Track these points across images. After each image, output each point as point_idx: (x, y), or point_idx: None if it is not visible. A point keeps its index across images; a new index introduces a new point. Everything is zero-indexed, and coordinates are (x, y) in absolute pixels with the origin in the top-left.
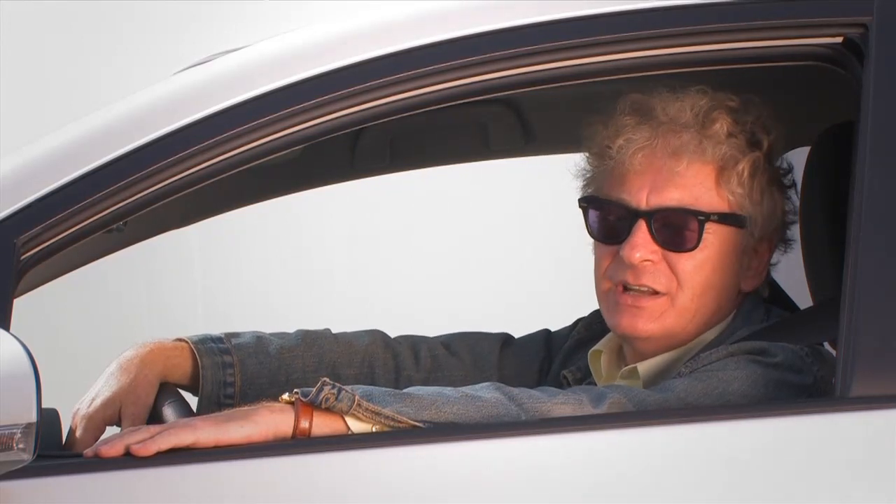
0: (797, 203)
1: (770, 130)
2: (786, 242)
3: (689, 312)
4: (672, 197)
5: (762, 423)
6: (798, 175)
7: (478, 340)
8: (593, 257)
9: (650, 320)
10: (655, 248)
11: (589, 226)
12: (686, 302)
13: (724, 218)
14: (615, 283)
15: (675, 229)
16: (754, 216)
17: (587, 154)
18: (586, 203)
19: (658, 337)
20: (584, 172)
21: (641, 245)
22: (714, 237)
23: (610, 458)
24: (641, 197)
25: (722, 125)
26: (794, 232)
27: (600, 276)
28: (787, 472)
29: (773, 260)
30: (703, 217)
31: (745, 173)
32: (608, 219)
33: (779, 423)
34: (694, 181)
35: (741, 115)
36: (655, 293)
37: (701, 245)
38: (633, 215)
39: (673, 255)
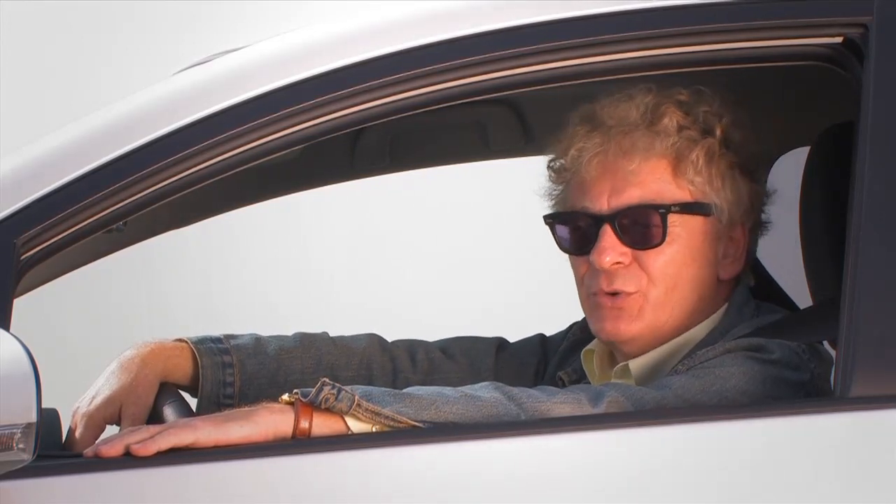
0: (769, 185)
1: (722, 116)
2: (762, 225)
3: (667, 306)
4: (632, 196)
5: (762, 422)
6: (798, 175)
7: (474, 344)
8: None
9: (631, 320)
10: (624, 249)
11: (558, 240)
12: (659, 296)
13: (686, 207)
14: (593, 291)
15: (640, 227)
16: (718, 202)
17: (549, 172)
18: (551, 219)
19: (642, 336)
20: (550, 191)
21: (609, 248)
22: (681, 229)
23: (610, 458)
24: (603, 201)
25: (671, 119)
26: (770, 215)
27: (579, 285)
28: (786, 471)
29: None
30: (663, 210)
31: (701, 161)
32: (574, 230)
33: (778, 422)
34: (651, 177)
35: (692, 107)
36: (628, 294)
37: (668, 239)
38: (597, 221)
39: (642, 254)
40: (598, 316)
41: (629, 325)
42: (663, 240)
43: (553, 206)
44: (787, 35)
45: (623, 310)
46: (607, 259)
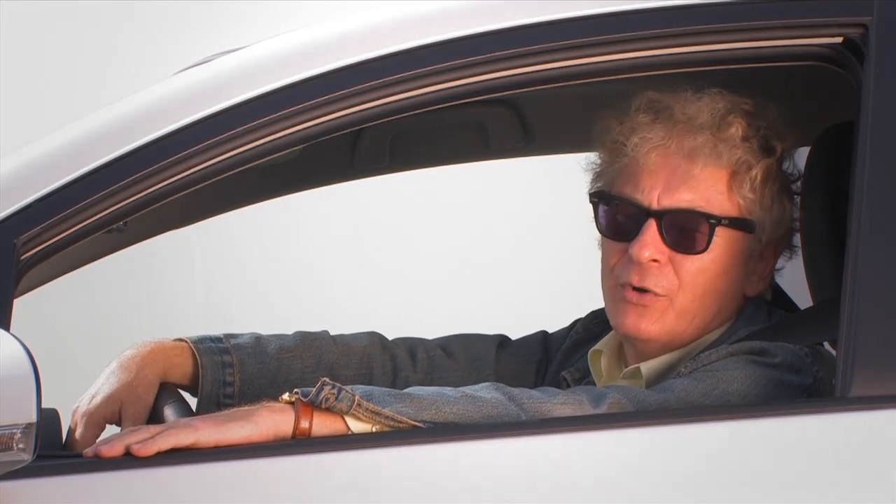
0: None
1: (784, 137)
2: (791, 248)
3: (690, 314)
4: (684, 198)
5: (762, 423)
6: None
7: (474, 342)
8: (601, 253)
9: (653, 321)
10: (664, 248)
11: (598, 221)
12: (686, 303)
13: (734, 222)
14: (621, 282)
15: (685, 231)
16: (763, 222)
17: (601, 148)
18: (597, 198)
19: (660, 338)
20: (595, 167)
21: (651, 244)
22: (722, 241)
23: (610, 458)
24: (653, 196)
25: (737, 129)
26: (797, 236)
27: (607, 272)
28: (787, 472)
29: (778, 265)
30: (714, 220)
31: (758, 179)
32: (618, 216)
33: (779, 423)
34: (707, 184)
35: (755, 119)
36: (656, 294)
37: (709, 248)
38: (643, 214)
39: (679, 257)
40: (621, 310)
41: (650, 325)
42: (706, 248)
43: (597, 181)
44: (787, 35)
45: (647, 308)
46: (646, 254)
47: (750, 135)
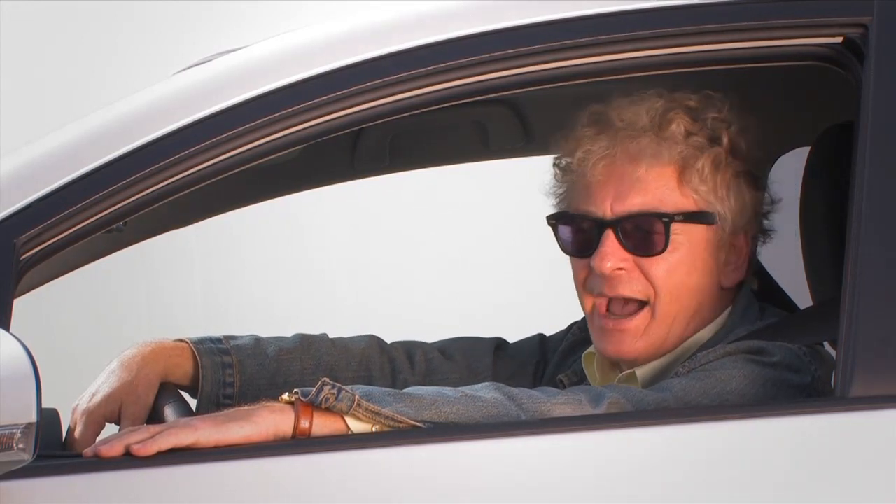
0: (773, 193)
1: (730, 124)
2: (764, 233)
3: (669, 317)
4: (635, 202)
5: (762, 423)
6: (798, 175)
7: (472, 345)
8: (571, 272)
9: (634, 340)
10: (626, 255)
11: (560, 242)
12: (665, 307)
13: (689, 217)
14: (595, 295)
15: (642, 234)
16: (722, 211)
17: (555, 170)
18: (554, 220)
19: (645, 352)
20: (554, 188)
21: (611, 254)
22: (683, 237)
23: (610, 458)
24: (606, 206)
25: (679, 125)
26: (773, 222)
27: (580, 290)
28: (786, 472)
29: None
30: (667, 218)
31: (707, 170)
32: (577, 232)
33: (779, 423)
34: (656, 184)
35: (700, 112)
36: (635, 307)
37: (670, 247)
38: (599, 225)
39: (644, 261)
40: (600, 336)
41: (632, 345)
42: (665, 248)
43: (557, 205)
44: (787, 35)
45: (627, 331)
46: (608, 265)
47: (694, 129)
